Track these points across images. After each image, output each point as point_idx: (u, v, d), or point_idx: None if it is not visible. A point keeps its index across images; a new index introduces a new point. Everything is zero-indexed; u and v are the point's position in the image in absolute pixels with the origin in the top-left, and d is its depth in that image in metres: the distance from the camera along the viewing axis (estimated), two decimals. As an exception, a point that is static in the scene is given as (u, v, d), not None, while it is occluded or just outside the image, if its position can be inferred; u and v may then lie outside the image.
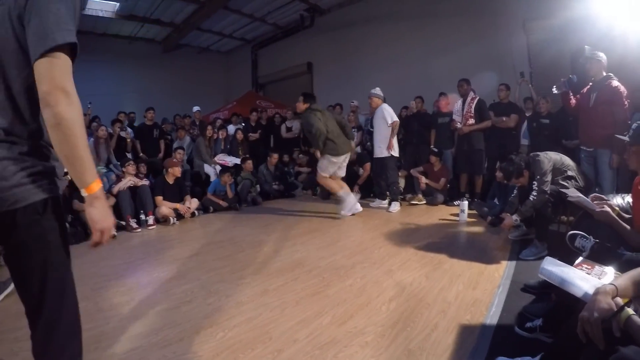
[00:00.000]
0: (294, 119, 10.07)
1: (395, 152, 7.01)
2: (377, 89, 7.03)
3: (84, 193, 1.39)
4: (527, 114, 6.86)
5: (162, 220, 6.28)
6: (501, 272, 3.69)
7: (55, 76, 1.24)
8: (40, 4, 1.26)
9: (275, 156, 8.66)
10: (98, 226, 1.43)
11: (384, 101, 7.07)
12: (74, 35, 1.31)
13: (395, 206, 6.91)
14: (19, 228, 1.36)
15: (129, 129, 8.81)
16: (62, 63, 1.27)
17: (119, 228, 5.75)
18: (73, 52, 1.32)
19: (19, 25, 1.28)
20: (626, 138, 2.49)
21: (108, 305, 3.11)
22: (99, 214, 1.42)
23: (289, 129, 9.98)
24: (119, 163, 7.26)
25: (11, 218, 1.33)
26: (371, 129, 8.16)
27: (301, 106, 6.11)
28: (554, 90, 5.10)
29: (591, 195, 3.09)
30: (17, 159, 1.34)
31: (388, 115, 6.85)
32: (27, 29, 1.26)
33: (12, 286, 3.12)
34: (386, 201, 7.30)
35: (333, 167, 6.33)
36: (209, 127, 8.73)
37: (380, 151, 6.96)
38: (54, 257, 1.45)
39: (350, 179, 8.11)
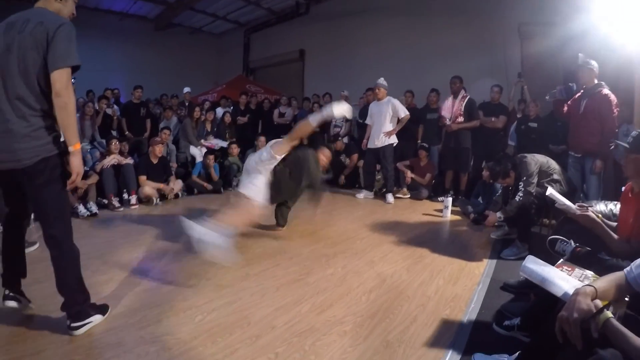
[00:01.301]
0: (287, 106, 10.03)
1: (395, 140, 7.03)
2: (382, 79, 6.97)
3: (71, 149, 2.24)
4: (519, 116, 6.88)
5: (145, 200, 6.22)
6: (482, 270, 3.72)
7: (63, 81, 2.11)
8: (60, 39, 2.11)
9: (263, 140, 8.56)
10: (76, 170, 2.26)
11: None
12: (77, 59, 2.17)
13: (391, 197, 6.96)
14: (47, 169, 2.22)
15: (115, 107, 8.69)
16: (66, 74, 2.13)
17: (101, 206, 5.67)
18: (75, 67, 2.18)
19: (45, 50, 2.10)
20: (626, 145, 2.49)
21: (87, 284, 3.03)
22: (78, 163, 2.27)
23: (281, 115, 9.89)
24: (103, 140, 7.16)
25: (44, 162, 2.20)
26: (360, 120, 8.15)
27: None
28: (547, 98, 5.13)
29: (577, 204, 3.12)
30: (47, 127, 2.23)
31: (401, 109, 6.87)
32: (49, 53, 2.10)
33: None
34: (372, 193, 7.32)
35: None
36: (197, 109, 8.64)
37: (382, 140, 6.92)
38: (62, 188, 2.33)
39: (337, 169, 8.13)
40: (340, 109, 4.41)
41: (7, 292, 2.47)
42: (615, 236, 2.57)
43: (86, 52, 12.07)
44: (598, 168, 4.69)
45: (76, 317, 2.33)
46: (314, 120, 4.31)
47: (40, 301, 2.52)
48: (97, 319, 2.43)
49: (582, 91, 4.87)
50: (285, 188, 4.30)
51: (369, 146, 7.14)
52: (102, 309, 2.53)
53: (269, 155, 4.13)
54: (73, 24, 2.18)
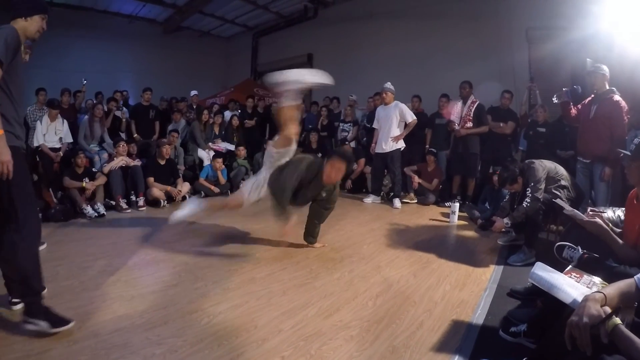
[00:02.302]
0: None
1: (403, 145, 7.03)
2: (389, 83, 6.97)
3: None
4: (530, 120, 6.84)
5: (152, 203, 6.24)
6: (488, 276, 3.70)
7: None
8: None
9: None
10: (1, 158, 2.18)
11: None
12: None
13: (398, 202, 6.95)
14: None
15: (124, 109, 8.74)
16: None
17: (108, 208, 5.71)
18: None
19: None
20: (628, 152, 2.50)
21: (94, 284, 3.09)
22: (3, 150, 2.19)
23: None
24: (112, 142, 7.20)
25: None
26: (367, 125, 8.14)
27: None
28: (554, 100, 5.09)
29: (589, 209, 3.11)
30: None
31: (408, 113, 6.87)
32: None
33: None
34: (379, 197, 7.31)
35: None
36: (205, 112, 8.66)
37: (390, 145, 6.92)
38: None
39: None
40: (314, 76, 4.10)
41: (10, 297, 2.54)
42: (622, 242, 2.57)
43: (95, 54, 12.36)
44: (607, 176, 4.66)
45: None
46: (287, 99, 3.95)
47: (46, 301, 2.53)
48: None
49: (592, 96, 4.84)
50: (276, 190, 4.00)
51: (376, 151, 7.13)
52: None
53: (268, 150, 4.13)
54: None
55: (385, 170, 7.27)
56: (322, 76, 4.19)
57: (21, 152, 2.42)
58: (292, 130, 4.01)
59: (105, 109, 8.01)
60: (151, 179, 6.28)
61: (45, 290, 2.58)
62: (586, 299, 1.57)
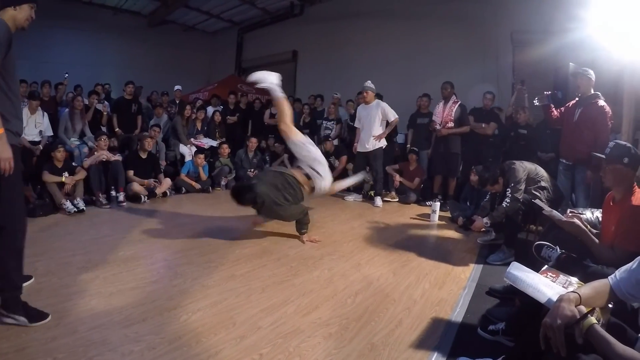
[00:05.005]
0: None
1: (385, 143, 7.04)
2: (370, 82, 6.96)
3: None
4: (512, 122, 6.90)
5: (132, 198, 6.17)
6: (468, 274, 3.73)
7: None
8: None
9: (254, 141, 8.52)
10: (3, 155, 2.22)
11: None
12: None
13: (380, 201, 6.97)
14: None
15: (106, 102, 8.62)
16: None
17: (88, 203, 5.61)
18: None
19: None
20: (602, 156, 2.55)
21: (72, 280, 3.04)
22: (4, 148, 2.23)
23: (272, 115, 9.82)
24: (93, 136, 7.10)
25: None
26: (351, 123, 8.15)
27: None
28: (536, 102, 5.13)
29: (569, 210, 3.15)
30: None
31: (390, 112, 6.85)
32: None
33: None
34: (361, 196, 7.32)
35: None
36: (188, 107, 8.57)
37: (373, 144, 6.90)
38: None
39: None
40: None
41: None
42: (599, 242, 2.61)
43: (78, 46, 12.17)
44: (589, 179, 4.72)
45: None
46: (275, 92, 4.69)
47: (24, 297, 2.48)
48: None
49: (577, 99, 4.89)
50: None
51: (358, 149, 7.13)
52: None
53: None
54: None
55: (367, 168, 7.28)
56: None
57: (17, 149, 2.40)
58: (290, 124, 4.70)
59: (87, 102, 7.89)
60: (131, 172, 6.22)
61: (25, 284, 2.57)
62: (560, 299, 1.58)
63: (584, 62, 5.15)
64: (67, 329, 2.35)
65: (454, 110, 6.73)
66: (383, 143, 6.95)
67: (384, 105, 6.85)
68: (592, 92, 4.73)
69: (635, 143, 4.13)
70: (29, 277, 2.92)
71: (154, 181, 6.53)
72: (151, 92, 10.53)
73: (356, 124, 7.21)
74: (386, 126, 6.91)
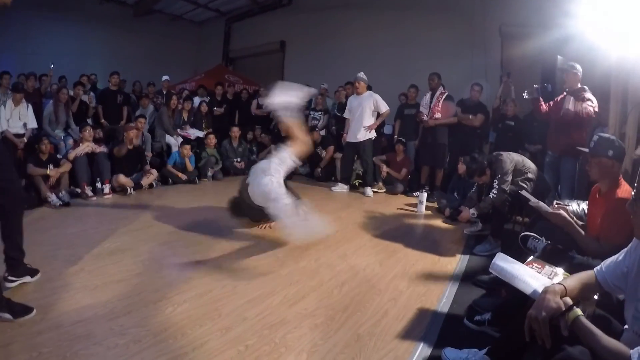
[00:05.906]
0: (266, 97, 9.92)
1: (374, 134, 7.06)
2: (362, 73, 6.96)
3: None
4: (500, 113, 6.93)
5: (118, 190, 6.09)
6: (454, 265, 3.75)
7: None
8: None
9: (236, 130, 8.45)
10: None
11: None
12: None
13: (370, 191, 6.98)
14: None
15: (91, 93, 8.50)
16: None
17: (73, 195, 5.54)
18: None
19: None
20: (586, 150, 2.57)
21: (57, 274, 3.01)
22: None
23: (259, 106, 9.75)
24: (78, 128, 6.99)
25: None
26: (338, 114, 8.14)
27: None
28: (525, 96, 5.15)
29: (555, 202, 3.16)
30: None
31: (382, 104, 6.86)
32: None
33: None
34: (347, 186, 7.32)
35: None
36: (174, 98, 8.46)
37: (363, 134, 6.91)
38: None
39: (313, 161, 8.13)
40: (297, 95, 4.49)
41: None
42: (585, 234, 2.63)
43: (63, 36, 11.98)
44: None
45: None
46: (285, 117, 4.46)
47: (8, 292, 2.45)
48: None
49: (565, 94, 4.91)
50: None
51: (348, 140, 7.12)
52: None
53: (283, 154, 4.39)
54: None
55: (355, 157, 7.27)
56: (302, 91, 4.54)
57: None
58: (304, 138, 4.50)
59: (72, 93, 7.78)
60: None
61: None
62: (545, 290, 1.58)
63: (573, 56, 5.16)
64: (52, 323, 2.32)
65: (440, 101, 6.74)
66: (373, 134, 6.96)
67: (377, 96, 6.85)
68: (579, 86, 4.76)
69: (622, 137, 4.14)
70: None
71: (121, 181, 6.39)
72: (134, 82, 10.38)
73: (346, 115, 7.21)
74: (377, 117, 6.91)
